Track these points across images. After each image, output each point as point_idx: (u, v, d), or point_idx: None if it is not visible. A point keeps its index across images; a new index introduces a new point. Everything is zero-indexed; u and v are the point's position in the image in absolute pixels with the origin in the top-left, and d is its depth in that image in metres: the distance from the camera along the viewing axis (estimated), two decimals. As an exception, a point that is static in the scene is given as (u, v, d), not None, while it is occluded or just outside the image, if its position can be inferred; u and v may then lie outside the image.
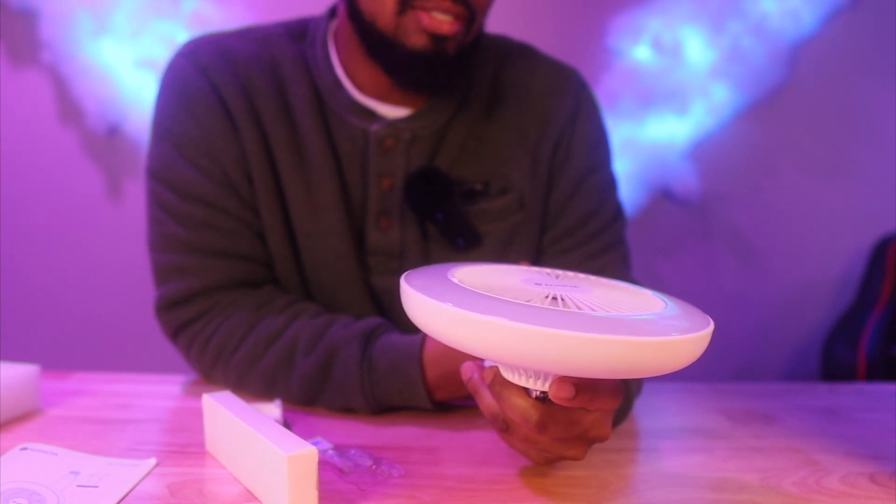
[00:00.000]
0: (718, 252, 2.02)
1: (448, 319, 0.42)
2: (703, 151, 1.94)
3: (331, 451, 0.59)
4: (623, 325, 0.40)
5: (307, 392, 0.70)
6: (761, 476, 0.58)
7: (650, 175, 1.92)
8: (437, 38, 0.69)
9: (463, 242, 0.79)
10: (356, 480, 0.55)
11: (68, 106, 1.87)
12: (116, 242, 1.89)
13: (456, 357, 0.66)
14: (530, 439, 0.53)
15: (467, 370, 0.56)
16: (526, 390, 0.49)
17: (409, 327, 0.72)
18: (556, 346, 0.39)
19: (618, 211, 0.85)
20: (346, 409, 0.70)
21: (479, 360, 0.57)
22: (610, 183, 0.85)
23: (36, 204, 1.93)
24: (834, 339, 1.93)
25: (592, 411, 0.50)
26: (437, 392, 0.68)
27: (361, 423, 0.68)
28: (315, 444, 0.59)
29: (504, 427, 0.53)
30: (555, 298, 0.46)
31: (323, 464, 0.55)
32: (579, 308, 0.44)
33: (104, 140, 1.89)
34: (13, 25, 1.84)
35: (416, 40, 0.70)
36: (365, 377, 0.68)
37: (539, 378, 0.47)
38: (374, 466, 0.57)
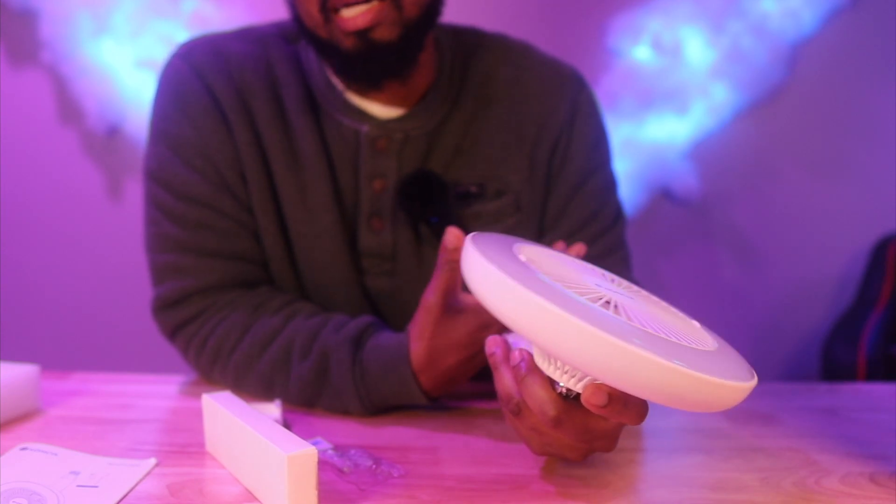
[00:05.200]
0: (718, 252, 2.02)
1: (515, 299, 0.41)
2: (703, 151, 1.93)
3: (331, 451, 0.59)
4: (688, 356, 0.40)
5: (306, 395, 0.70)
6: (761, 476, 0.58)
7: (650, 175, 1.91)
8: (361, 34, 0.68)
9: None
10: (356, 480, 0.55)
11: (68, 106, 1.87)
12: (116, 242, 1.89)
13: (442, 354, 0.65)
14: (538, 429, 0.52)
15: (491, 344, 0.54)
16: (552, 383, 0.48)
17: (401, 327, 0.72)
18: (619, 358, 0.39)
19: (618, 212, 0.84)
20: (345, 412, 0.70)
21: (503, 337, 0.55)
22: (610, 184, 0.85)
23: (36, 204, 1.93)
24: (834, 339, 1.93)
25: (609, 421, 0.50)
26: (432, 390, 0.68)
27: (361, 423, 0.68)
28: (315, 444, 0.59)
29: (516, 411, 0.52)
30: (608, 303, 0.45)
31: (323, 464, 0.55)
32: (633, 320, 0.43)
33: (104, 140, 1.89)
34: (13, 25, 1.84)
35: (346, 43, 0.69)
36: (358, 382, 0.68)
37: (574, 377, 0.46)
38: (374, 466, 0.57)
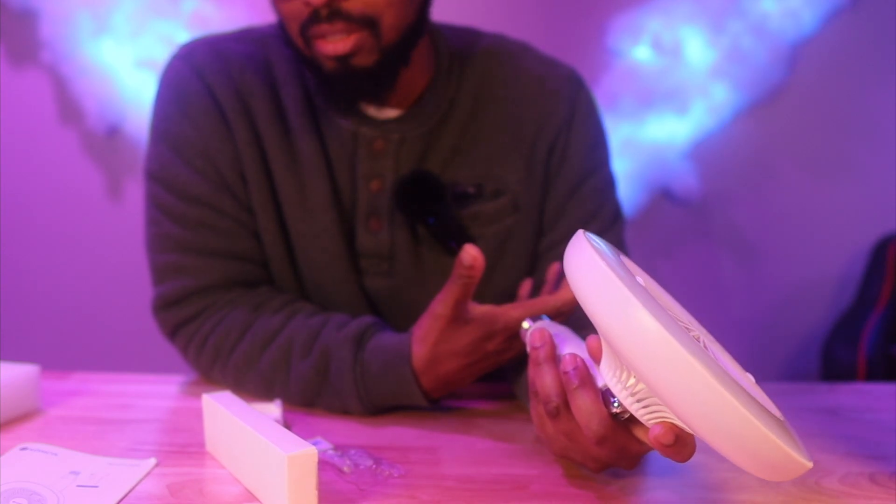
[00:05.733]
0: (718, 252, 2.02)
1: (651, 339, 0.37)
2: (703, 151, 1.93)
3: (331, 451, 0.59)
4: (779, 430, 0.38)
5: (306, 395, 0.70)
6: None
7: (650, 175, 1.91)
8: (341, 59, 0.69)
9: (455, 246, 0.78)
10: (356, 480, 0.55)
11: (68, 106, 1.87)
12: (116, 242, 1.89)
13: (443, 359, 0.65)
14: (572, 437, 0.51)
15: (536, 338, 0.52)
16: (605, 398, 0.46)
17: (400, 327, 0.72)
18: (733, 422, 0.36)
19: (617, 213, 0.84)
20: (344, 412, 0.70)
21: (549, 333, 0.53)
22: (608, 185, 0.84)
23: (36, 204, 1.93)
24: (834, 339, 1.93)
25: (646, 445, 0.49)
26: (432, 391, 0.68)
27: (361, 423, 0.68)
28: (315, 444, 0.59)
29: (554, 413, 0.50)
30: (697, 339, 0.42)
31: (323, 464, 0.55)
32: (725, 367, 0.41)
33: (104, 140, 1.89)
34: (13, 25, 1.84)
35: (328, 66, 0.70)
36: (359, 381, 0.68)
37: (647, 408, 0.44)
38: (374, 466, 0.57)
